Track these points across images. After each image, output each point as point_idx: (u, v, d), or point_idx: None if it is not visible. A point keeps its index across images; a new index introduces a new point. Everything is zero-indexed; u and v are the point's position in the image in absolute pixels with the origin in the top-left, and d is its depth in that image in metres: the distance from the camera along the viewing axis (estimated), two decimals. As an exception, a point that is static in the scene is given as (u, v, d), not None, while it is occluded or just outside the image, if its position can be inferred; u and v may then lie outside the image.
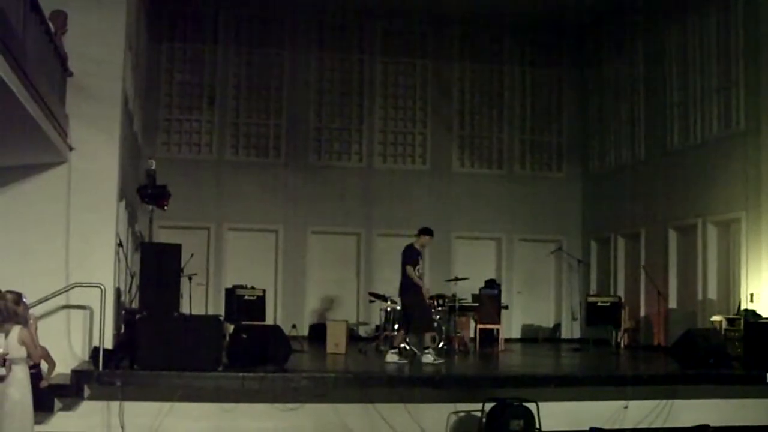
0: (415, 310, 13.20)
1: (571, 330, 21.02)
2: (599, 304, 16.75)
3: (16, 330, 7.85)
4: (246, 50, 20.70)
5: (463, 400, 11.12)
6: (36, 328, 9.06)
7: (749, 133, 15.60)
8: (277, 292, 19.99)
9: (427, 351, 12.87)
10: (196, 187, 19.51)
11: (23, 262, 10.94)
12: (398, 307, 14.44)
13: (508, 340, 17.85)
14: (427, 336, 13.22)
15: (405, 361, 12.90)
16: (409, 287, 13.21)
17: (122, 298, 13.15)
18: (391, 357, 12.90)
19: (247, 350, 10.88)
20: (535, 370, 13.53)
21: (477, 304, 16.44)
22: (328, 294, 20.27)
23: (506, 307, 17.77)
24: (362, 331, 19.43)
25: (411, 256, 13.29)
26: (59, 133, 10.63)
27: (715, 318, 14.92)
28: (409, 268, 13.15)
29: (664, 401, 11.51)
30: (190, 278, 15.05)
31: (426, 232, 13.59)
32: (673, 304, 17.58)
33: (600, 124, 21.23)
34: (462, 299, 16.09)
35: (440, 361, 12.92)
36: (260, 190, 20.28)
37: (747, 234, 15.42)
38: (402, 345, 13.44)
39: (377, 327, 17.71)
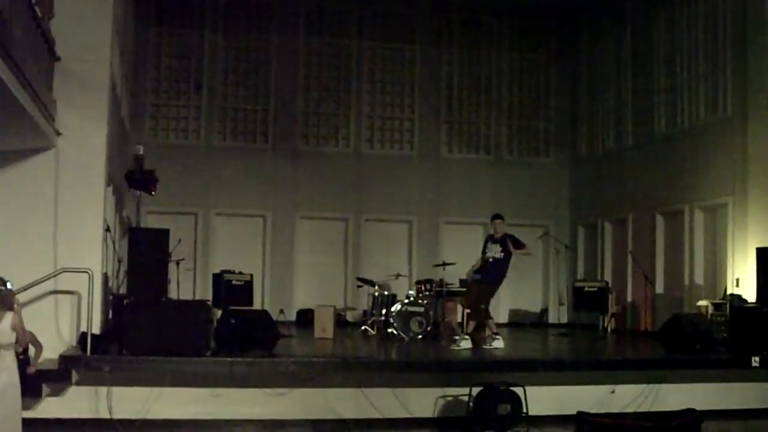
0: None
1: (559, 315, 21.10)
2: (586, 289, 16.85)
3: (9, 316, 7.83)
4: (233, 35, 20.62)
5: (450, 384, 11.13)
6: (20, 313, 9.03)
7: (736, 119, 15.65)
8: (265, 278, 20.00)
9: (497, 336, 13.06)
10: (184, 172, 19.49)
11: (10, 248, 10.89)
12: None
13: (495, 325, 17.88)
14: (491, 323, 13.46)
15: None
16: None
17: (110, 284, 13.12)
18: (465, 343, 13.05)
19: (235, 335, 10.85)
20: (522, 354, 13.56)
21: (464, 290, 16.43)
22: (316, 279, 20.28)
23: (494, 292, 17.81)
24: (350, 316, 19.44)
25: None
26: (46, 118, 10.57)
27: (702, 303, 15.00)
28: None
29: (651, 385, 11.57)
30: (177, 263, 15.07)
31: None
32: (659, 289, 17.66)
33: (588, 110, 21.27)
34: (449, 284, 16.12)
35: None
36: (248, 176, 20.25)
37: (733, 219, 15.49)
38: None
39: (365, 312, 17.75)
